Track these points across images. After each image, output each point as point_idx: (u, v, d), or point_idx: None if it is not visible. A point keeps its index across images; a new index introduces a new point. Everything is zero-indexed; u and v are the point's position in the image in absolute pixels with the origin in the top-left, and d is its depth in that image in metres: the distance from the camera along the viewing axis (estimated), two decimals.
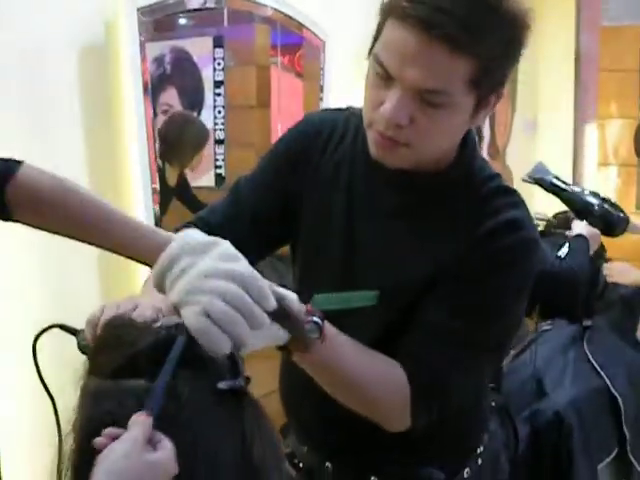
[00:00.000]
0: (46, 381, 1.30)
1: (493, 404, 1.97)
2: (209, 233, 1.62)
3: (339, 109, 1.75)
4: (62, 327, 1.24)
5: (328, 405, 1.50)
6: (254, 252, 1.65)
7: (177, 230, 1.61)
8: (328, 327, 1.37)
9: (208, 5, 3.42)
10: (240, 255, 1.16)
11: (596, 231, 3.16)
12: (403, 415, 1.49)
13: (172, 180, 3.77)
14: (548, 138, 5.87)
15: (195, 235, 1.18)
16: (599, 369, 2.98)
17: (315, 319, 1.34)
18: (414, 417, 1.49)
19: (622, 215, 3.06)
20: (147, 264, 1.28)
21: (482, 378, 1.69)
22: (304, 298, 1.37)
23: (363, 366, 1.47)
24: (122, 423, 0.97)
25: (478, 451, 1.74)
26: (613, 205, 3.09)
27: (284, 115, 4.21)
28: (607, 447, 2.93)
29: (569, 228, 3.19)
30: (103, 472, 0.90)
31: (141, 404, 0.98)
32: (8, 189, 1.28)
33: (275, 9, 3.46)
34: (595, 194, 3.15)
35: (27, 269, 2.32)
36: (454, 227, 1.55)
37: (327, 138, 1.67)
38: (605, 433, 2.94)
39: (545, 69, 5.96)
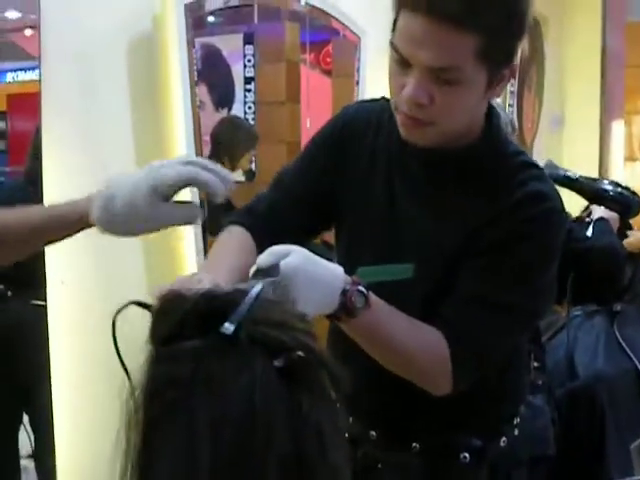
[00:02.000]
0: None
1: (540, 382, 2.04)
2: (255, 221, 1.72)
3: (374, 99, 1.85)
4: (138, 303, 1.28)
5: (373, 374, 1.57)
6: (298, 237, 1.72)
7: (229, 222, 1.72)
8: (372, 296, 1.46)
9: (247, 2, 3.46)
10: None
11: (614, 214, 3.23)
12: (444, 379, 1.56)
13: None
14: (575, 133, 5.90)
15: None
16: (629, 352, 3.03)
17: (360, 288, 1.44)
18: (455, 381, 1.57)
19: (637, 197, 3.12)
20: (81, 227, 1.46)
21: (515, 343, 1.75)
22: (348, 273, 1.47)
23: (405, 331, 1.54)
24: (180, 382, 1.03)
25: (515, 422, 1.79)
26: (626, 189, 3.15)
27: (313, 111, 4.25)
28: (638, 428, 2.98)
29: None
30: None
31: (198, 362, 1.03)
32: None
33: (311, 5, 3.51)
34: (607, 181, 3.22)
35: (80, 262, 2.39)
36: (482, 199, 1.61)
37: (364, 127, 1.76)
38: (636, 414, 2.98)
39: (572, 65, 5.99)
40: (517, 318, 1.61)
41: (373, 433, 1.77)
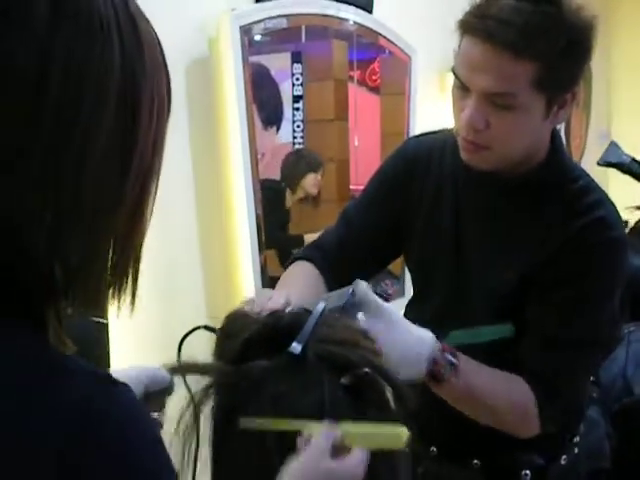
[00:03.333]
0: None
1: (595, 395, 2.06)
2: (323, 256, 1.75)
3: (434, 132, 1.88)
4: (206, 327, 1.31)
5: (436, 394, 1.60)
6: (367, 268, 1.75)
7: (295, 259, 1.76)
8: (461, 361, 1.49)
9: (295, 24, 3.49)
10: None
11: None
12: (532, 425, 1.62)
13: (288, 204, 3.96)
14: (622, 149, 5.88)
15: None
16: None
17: (450, 358, 1.47)
18: (542, 425, 1.61)
19: None
20: None
21: (593, 374, 1.77)
22: (440, 333, 1.53)
23: (491, 386, 1.59)
24: (250, 401, 1.06)
25: (575, 440, 1.81)
26: None
27: (360, 129, 4.27)
28: None
29: None
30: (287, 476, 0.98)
31: (267, 382, 1.06)
32: None
33: (360, 24, 3.55)
34: None
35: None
36: (547, 226, 1.64)
37: (427, 160, 1.80)
38: None
39: (618, 81, 5.98)
40: (596, 351, 1.64)
41: (434, 449, 1.80)
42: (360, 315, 1.37)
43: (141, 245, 0.82)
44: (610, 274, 1.63)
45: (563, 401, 1.62)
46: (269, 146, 4.33)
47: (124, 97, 0.75)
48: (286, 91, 4.45)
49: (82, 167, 0.73)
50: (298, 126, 4.47)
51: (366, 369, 1.05)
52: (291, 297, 1.25)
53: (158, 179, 0.83)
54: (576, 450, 1.81)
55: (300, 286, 1.58)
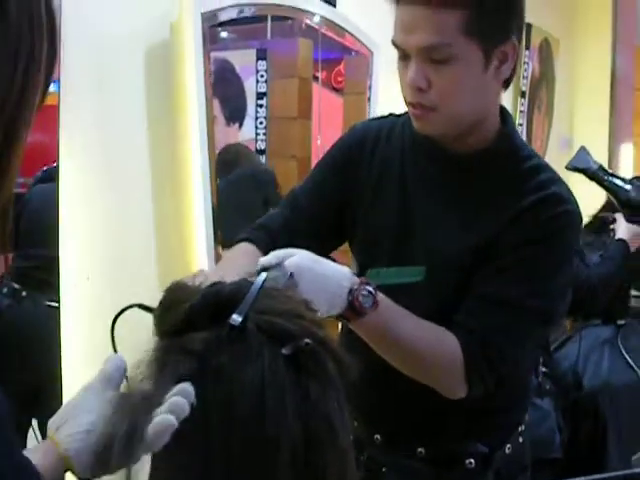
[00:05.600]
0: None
1: (548, 387, 2.07)
2: (270, 238, 1.74)
3: (382, 116, 1.90)
4: (140, 306, 1.28)
5: (381, 380, 1.59)
6: (314, 251, 1.75)
7: (239, 240, 1.74)
8: (381, 296, 1.49)
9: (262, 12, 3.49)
10: None
11: (638, 230, 3.18)
12: (457, 381, 1.58)
13: None
14: None
15: None
16: (633, 364, 3.04)
17: (368, 288, 1.47)
18: (469, 385, 1.58)
19: None
20: None
21: (532, 349, 1.76)
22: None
23: (414, 332, 1.57)
24: (190, 373, 1.05)
25: (520, 429, 1.81)
26: None
27: (324, 129, 4.28)
28: None
29: (605, 231, 3.25)
30: None
31: (207, 353, 1.05)
32: None
33: (324, 17, 3.54)
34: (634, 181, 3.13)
35: (94, 269, 2.42)
36: (498, 202, 1.65)
37: (374, 142, 1.80)
38: (638, 426, 2.98)
39: (581, 87, 6.02)
40: (532, 320, 1.62)
41: (378, 437, 1.79)
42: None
43: (13, 181, 0.81)
44: (562, 246, 1.63)
45: (493, 362, 1.58)
46: (232, 142, 4.34)
47: None
48: (250, 88, 4.45)
49: None
50: (261, 123, 4.47)
51: (307, 340, 1.05)
52: (226, 279, 1.25)
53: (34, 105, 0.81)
54: (521, 439, 1.81)
55: (238, 268, 1.56)
